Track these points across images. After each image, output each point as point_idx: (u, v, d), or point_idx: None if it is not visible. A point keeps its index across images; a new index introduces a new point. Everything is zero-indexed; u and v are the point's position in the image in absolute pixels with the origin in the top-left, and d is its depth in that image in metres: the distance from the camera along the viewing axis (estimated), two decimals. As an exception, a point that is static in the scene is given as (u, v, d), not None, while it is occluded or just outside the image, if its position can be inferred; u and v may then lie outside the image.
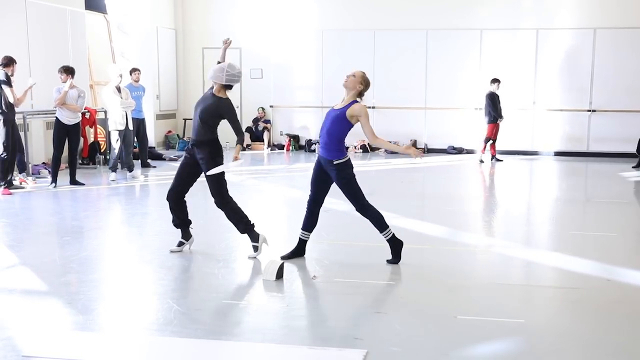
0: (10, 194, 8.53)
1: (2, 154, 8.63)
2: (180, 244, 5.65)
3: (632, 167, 11.73)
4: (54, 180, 9.28)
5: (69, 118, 9.32)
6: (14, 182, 9.08)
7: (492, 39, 13.92)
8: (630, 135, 13.36)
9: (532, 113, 13.89)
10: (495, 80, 12.56)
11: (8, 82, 8.59)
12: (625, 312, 4.29)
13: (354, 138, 14.62)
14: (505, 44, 13.89)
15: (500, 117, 12.52)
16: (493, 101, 12.47)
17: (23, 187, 9.10)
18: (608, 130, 13.59)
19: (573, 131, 13.73)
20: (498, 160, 12.69)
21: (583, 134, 13.76)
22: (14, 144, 8.84)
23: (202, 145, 5.40)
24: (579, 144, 13.78)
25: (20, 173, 9.47)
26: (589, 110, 13.65)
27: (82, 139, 10.70)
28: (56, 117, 9.36)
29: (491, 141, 12.64)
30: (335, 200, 8.30)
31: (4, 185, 8.62)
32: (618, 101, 13.46)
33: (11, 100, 8.58)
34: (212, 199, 5.45)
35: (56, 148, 9.31)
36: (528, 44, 13.77)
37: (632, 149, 12.61)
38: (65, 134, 9.32)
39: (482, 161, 12.65)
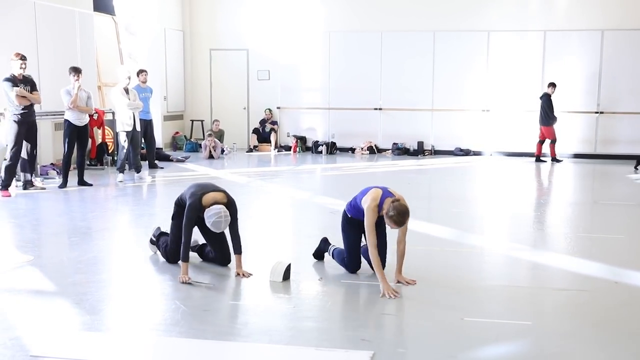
0: (10, 195, 8.54)
1: (10, 157, 8.54)
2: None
3: (634, 167, 11.76)
4: (64, 181, 9.32)
5: (79, 119, 9.36)
6: (35, 183, 9.12)
7: (500, 41, 13.90)
8: (638, 137, 13.35)
9: (540, 114, 13.83)
10: (552, 84, 12.84)
11: (13, 80, 8.45)
12: (633, 314, 4.27)
13: (360, 140, 14.64)
14: (512, 45, 13.87)
15: (555, 119, 12.82)
16: (549, 104, 12.69)
17: (44, 188, 9.11)
18: (616, 132, 13.56)
19: (581, 133, 13.70)
20: (557, 160, 13.00)
21: (591, 136, 13.72)
22: (30, 145, 8.78)
23: None
24: (587, 145, 13.74)
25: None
26: (597, 112, 13.62)
27: (90, 140, 10.73)
28: (65, 119, 9.39)
29: (550, 142, 13.00)
30: (342, 201, 8.31)
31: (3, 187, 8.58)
32: (626, 103, 13.43)
33: (16, 101, 8.41)
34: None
35: (67, 149, 9.35)
36: (535, 45, 13.75)
37: (639, 150, 12.61)
38: (75, 135, 9.36)
39: (543, 161, 13.01)
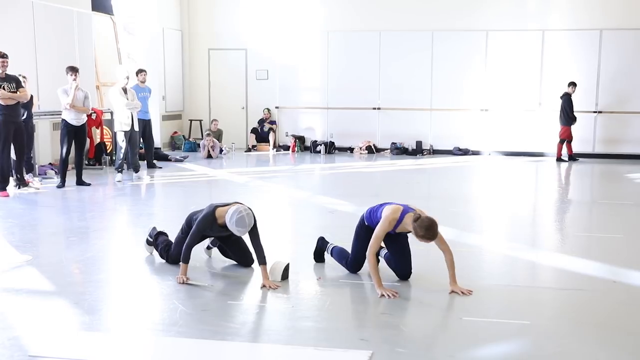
0: (8, 195, 8.53)
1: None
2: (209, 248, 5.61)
3: None
4: (62, 181, 9.31)
5: (76, 119, 9.35)
6: (31, 184, 9.10)
7: (498, 40, 13.90)
8: (637, 136, 13.36)
9: (538, 114, 13.87)
10: (572, 84, 12.89)
11: None
12: (631, 314, 4.28)
13: (359, 139, 14.64)
14: (511, 45, 13.87)
15: (574, 119, 12.86)
16: (570, 103, 12.77)
17: (38, 188, 9.09)
18: (614, 131, 13.57)
19: (579, 132, 13.69)
20: (574, 159, 13.05)
21: (589, 135, 13.73)
22: (20, 146, 8.75)
23: None
24: (585, 145, 13.75)
25: (27, 174, 9.50)
26: (595, 112, 13.63)
27: (88, 140, 10.72)
28: (62, 119, 9.37)
29: (566, 141, 13.01)
30: (340, 201, 8.32)
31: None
32: (624, 103, 13.44)
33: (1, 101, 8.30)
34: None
35: (64, 149, 9.33)
36: (534, 45, 13.75)
37: (638, 150, 12.61)
38: (73, 135, 9.34)
39: (563, 160, 13.01)
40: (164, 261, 5.39)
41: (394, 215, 4.62)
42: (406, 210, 4.66)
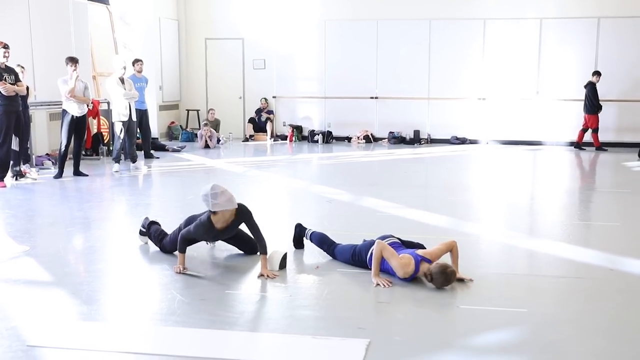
0: (5, 186, 8.51)
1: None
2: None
3: (638, 155, 11.77)
4: (60, 171, 9.29)
5: (79, 110, 9.33)
6: (29, 174, 9.09)
7: (496, 29, 13.87)
8: (634, 124, 13.36)
9: (536, 103, 13.86)
10: (597, 73, 12.86)
11: None
12: (628, 301, 4.29)
13: (356, 129, 14.63)
14: (508, 33, 13.85)
15: (600, 108, 12.79)
16: (594, 92, 12.72)
17: (35, 179, 9.09)
18: (612, 119, 13.56)
19: (576, 121, 13.69)
20: (603, 150, 12.86)
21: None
22: (19, 136, 8.73)
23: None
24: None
25: (24, 164, 9.48)
26: (593, 100, 13.61)
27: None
28: (64, 110, 9.34)
29: (592, 131, 12.93)
30: (338, 190, 8.32)
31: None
32: (622, 91, 13.43)
33: (3, 91, 8.28)
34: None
35: (65, 140, 9.31)
36: (531, 33, 13.72)
37: (636, 138, 12.60)
38: (74, 126, 9.33)
39: (604, 149, 12.88)
40: (160, 253, 5.39)
41: (408, 269, 4.51)
42: (416, 260, 4.54)
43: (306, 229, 5.42)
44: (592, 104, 12.81)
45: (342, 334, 3.66)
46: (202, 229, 4.85)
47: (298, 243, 5.47)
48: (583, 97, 12.94)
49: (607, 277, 4.77)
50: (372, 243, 4.79)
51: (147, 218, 5.67)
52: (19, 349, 3.45)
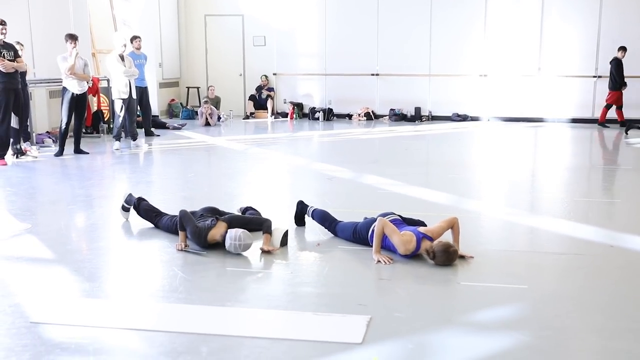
0: (6, 164, 8.51)
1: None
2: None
3: (625, 132, 11.77)
4: (61, 149, 9.29)
5: (79, 87, 9.31)
6: (29, 152, 9.09)
7: (498, 5, 13.76)
8: (636, 101, 13.29)
9: (538, 79, 13.80)
10: (622, 48, 12.71)
11: None
12: (628, 277, 4.30)
13: (357, 106, 14.58)
14: (510, 9, 13.74)
15: (624, 84, 12.69)
16: (619, 68, 12.63)
17: (36, 157, 9.09)
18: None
19: (578, 97, 13.65)
20: (628, 126, 12.37)
21: (588, 100, 13.67)
22: (19, 113, 8.70)
23: None
24: (585, 110, 13.70)
25: (24, 142, 9.47)
26: (595, 77, 13.55)
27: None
28: (64, 87, 9.31)
29: (616, 108, 12.81)
30: (339, 168, 8.31)
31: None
32: (625, 67, 13.32)
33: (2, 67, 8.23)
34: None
35: (66, 118, 9.29)
36: (533, 9, 13.61)
37: (638, 115, 12.55)
38: (74, 104, 9.31)
39: (606, 126, 12.79)
40: (159, 230, 5.39)
41: (409, 245, 4.52)
42: (418, 237, 4.54)
43: (308, 206, 5.42)
44: (615, 80, 12.70)
45: (343, 310, 3.68)
46: (196, 236, 4.81)
47: (299, 220, 5.48)
48: (608, 73, 12.85)
49: (607, 254, 4.78)
50: (373, 221, 4.80)
51: (131, 194, 5.67)
52: (22, 326, 3.47)
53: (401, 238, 4.54)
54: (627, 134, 11.71)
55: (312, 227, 5.40)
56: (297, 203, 5.49)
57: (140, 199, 5.62)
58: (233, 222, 4.94)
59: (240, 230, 4.72)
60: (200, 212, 5.14)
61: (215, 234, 4.81)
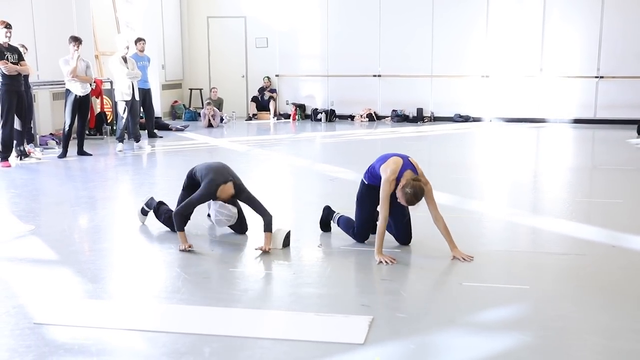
0: (10, 166, 8.53)
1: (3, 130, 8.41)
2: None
3: (638, 132, 11.70)
4: (64, 151, 9.31)
5: (82, 89, 9.33)
6: (33, 154, 9.11)
7: (499, 5, 13.76)
8: (639, 101, 13.28)
9: (539, 80, 13.79)
10: None
11: None
12: (630, 278, 4.31)
13: (359, 107, 14.59)
14: (512, 10, 13.74)
15: None
16: None
17: (39, 158, 9.11)
18: (616, 97, 13.50)
19: (580, 98, 13.64)
20: None
21: (590, 100, 13.66)
22: (21, 115, 8.73)
23: None
24: (587, 110, 13.69)
25: (28, 144, 9.50)
26: (597, 77, 13.54)
27: (88, 110, 10.69)
28: (67, 89, 9.34)
29: None
30: (341, 169, 8.32)
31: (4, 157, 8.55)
32: (626, 67, 13.34)
33: (4, 70, 8.28)
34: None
35: (69, 120, 9.32)
36: (535, 9, 13.61)
37: (637, 115, 12.54)
38: (77, 106, 9.34)
39: None
40: (164, 230, 5.41)
41: (393, 175, 4.57)
42: (406, 165, 4.63)
43: (334, 212, 5.33)
44: None
45: (345, 311, 3.69)
46: (206, 197, 4.96)
47: (325, 226, 5.38)
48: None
49: (609, 254, 4.78)
50: (387, 156, 4.77)
51: (152, 198, 5.67)
52: (26, 327, 3.48)
53: (385, 175, 4.59)
54: (639, 134, 11.64)
55: (315, 228, 5.40)
56: (324, 208, 5.41)
57: (161, 203, 5.59)
58: (240, 192, 4.98)
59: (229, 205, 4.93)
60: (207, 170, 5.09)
61: (223, 193, 4.90)
